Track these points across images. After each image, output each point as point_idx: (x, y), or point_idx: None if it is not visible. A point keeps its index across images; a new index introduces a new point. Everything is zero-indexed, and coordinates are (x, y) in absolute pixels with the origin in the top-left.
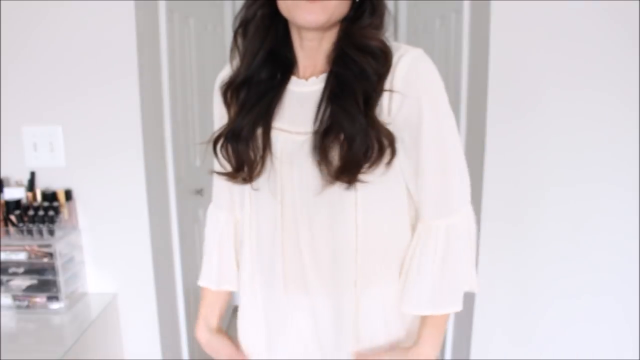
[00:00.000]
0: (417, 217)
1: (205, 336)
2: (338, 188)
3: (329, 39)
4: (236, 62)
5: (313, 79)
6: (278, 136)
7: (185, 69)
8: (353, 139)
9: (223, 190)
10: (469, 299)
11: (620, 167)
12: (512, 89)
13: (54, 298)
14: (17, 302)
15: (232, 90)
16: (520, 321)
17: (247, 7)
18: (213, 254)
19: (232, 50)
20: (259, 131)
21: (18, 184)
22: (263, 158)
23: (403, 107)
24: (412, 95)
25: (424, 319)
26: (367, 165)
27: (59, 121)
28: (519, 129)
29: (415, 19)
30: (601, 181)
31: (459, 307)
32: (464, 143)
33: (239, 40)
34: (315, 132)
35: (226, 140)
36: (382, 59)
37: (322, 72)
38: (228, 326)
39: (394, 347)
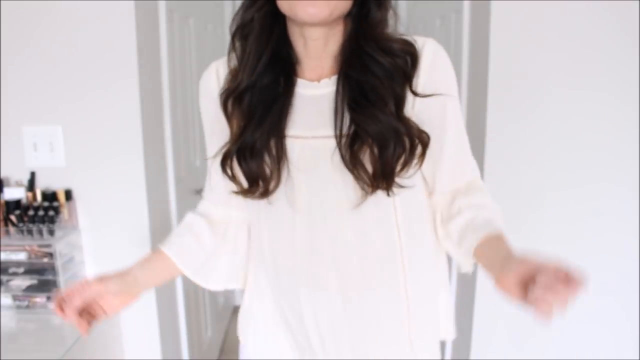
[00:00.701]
0: (435, 192)
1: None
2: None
3: (335, 38)
4: (233, 62)
5: (325, 80)
6: (293, 144)
7: (185, 69)
8: (385, 144)
9: (220, 189)
10: (469, 297)
11: (621, 168)
12: (512, 89)
13: (54, 298)
14: (17, 302)
15: (234, 98)
16: (522, 319)
17: (245, 8)
18: (193, 237)
19: (229, 53)
20: (272, 142)
21: (18, 184)
22: (279, 169)
23: (429, 102)
24: (437, 90)
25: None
26: (399, 167)
27: (59, 121)
28: (519, 129)
29: (415, 19)
30: (601, 181)
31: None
32: None
33: (237, 43)
34: (341, 143)
35: (238, 157)
36: (409, 59)
37: (332, 73)
38: (228, 326)
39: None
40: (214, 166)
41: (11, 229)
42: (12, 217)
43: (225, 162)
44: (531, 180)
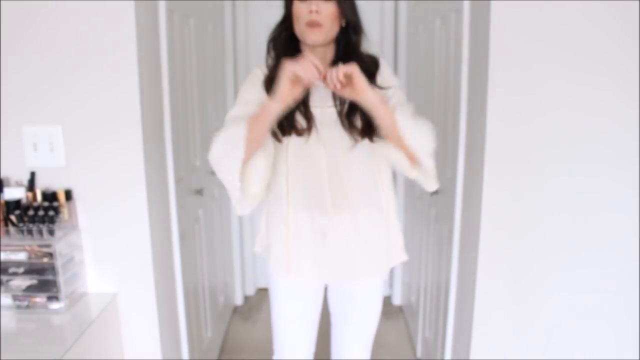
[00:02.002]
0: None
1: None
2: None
3: (330, 50)
4: (268, 62)
5: None
6: (315, 110)
7: (185, 69)
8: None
9: None
10: (469, 298)
11: (621, 164)
12: (512, 89)
13: (54, 298)
14: (17, 302)
15: (270, 82)
16: (521, 318)
17: (275, 29)
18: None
19: (267, 55)
20: (301, 109)
21: (18, 184)
22: (310, 124)
23: (385, 91)
24: (388, 84)
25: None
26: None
27: (59, 121)
28: (519, 128)
29: (415, 19)
30: (602, 177)
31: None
32: (465, 142)
33: (271, 51)
34: (341, 112)
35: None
36: (375, 64)
37: (330, 69)
38: (228, 326)
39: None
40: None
41: (11, 229)
42: (12, 217)
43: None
44: (531, 177)
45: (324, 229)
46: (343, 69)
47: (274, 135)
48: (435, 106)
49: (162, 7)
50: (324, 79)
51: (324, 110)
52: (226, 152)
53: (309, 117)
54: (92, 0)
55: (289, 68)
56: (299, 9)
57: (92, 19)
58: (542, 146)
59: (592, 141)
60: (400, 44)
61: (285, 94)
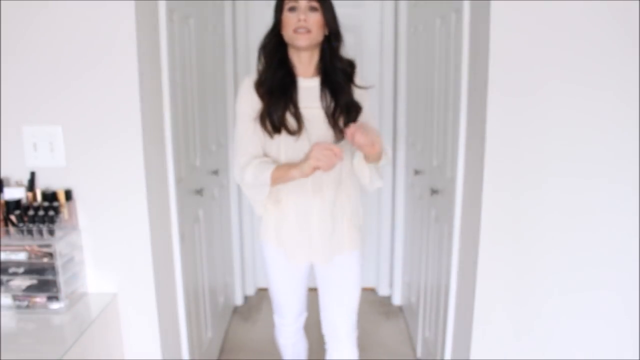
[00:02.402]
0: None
1: (303, 162)
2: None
3: (315, 54)
4: (260, 67)
5: (315, 78)
6: (304, 111)
7: (185, 69)
8: (349, 110)
9: (257, 148)
10: (468, 298)
11: (621, 164)
12: (512, 89)
13: (54, 298)
14: (17, 302)
15: (261, 84)
16: (521, 318)
17: (265, 37)
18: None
19: (258, 61)
20: (290, 110)
21: (18, 184)
22: (299, 123)
23: (359, 92)
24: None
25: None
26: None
27: (59, 121)
28: (519, 128)
29: (415, 19)
30: (602, 177)
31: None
32: (465, 141)
33: (261, 57)
34: (327, 111)
35: (270, 117)
36: (352, 68)
37: (315, 74)
38: (228, 326)
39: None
40: (255, 133)
41: (11, 229)
42: (12, 217)
43: (264, 121)
44: (531, 177)
45: (304, 214)
46: (371, 137)
47: (267, 133)
48: (435, 106)
49: (162, 7)
50: (352, 137)
51: (312, 110)
52: (253, 190)
53: (298, 117)
54: (92, 0)
55: (315, 163)
56: (288, 19)
57: (92, 19)
58: (542, 146)
59: (592, 141)
60: (400, 44)
61: (307, 173)
